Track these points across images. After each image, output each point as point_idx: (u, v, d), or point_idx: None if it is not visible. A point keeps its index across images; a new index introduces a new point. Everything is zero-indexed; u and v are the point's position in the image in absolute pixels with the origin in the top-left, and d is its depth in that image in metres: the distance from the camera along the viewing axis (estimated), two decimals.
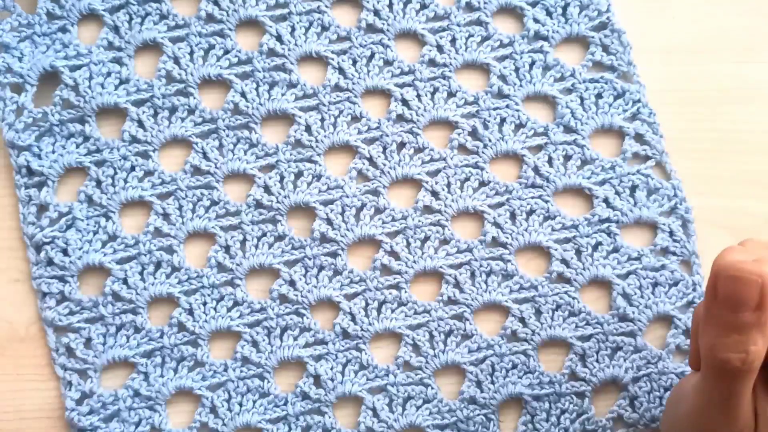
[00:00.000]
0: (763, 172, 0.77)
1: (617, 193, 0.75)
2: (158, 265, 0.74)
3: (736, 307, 0.51)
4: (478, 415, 0.72)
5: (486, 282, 0.74)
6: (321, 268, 0.75)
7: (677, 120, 0.76)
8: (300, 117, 0.76)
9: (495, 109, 0.76)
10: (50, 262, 0.74)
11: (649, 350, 0.73)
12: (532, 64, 0.77)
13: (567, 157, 0.75)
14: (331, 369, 0.73)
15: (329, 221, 0.75)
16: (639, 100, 0.76)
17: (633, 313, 0.73)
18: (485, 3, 0.77)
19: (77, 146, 0.75)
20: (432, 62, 0.77)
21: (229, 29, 0.77)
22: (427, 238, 0.75)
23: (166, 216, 0.75)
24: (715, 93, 0.78)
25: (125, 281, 0.74)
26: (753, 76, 0.78)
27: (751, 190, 0.77)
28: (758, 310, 0.51)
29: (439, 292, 0.74)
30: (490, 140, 0.75)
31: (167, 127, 0.76)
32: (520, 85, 0.76)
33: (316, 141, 0.76)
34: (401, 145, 0.76)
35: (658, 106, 0.76)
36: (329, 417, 0.72)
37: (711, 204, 0.76)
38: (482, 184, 0.75)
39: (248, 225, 0.75)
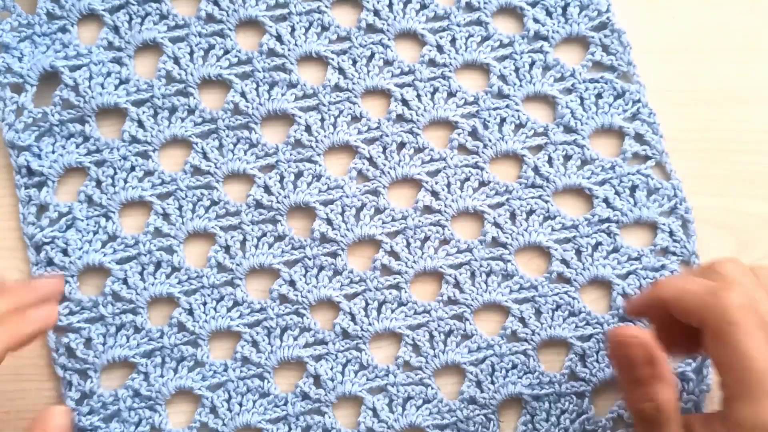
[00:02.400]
0: (763, 172, 0.77)
1: (617, 193, 0.75)
2: (158, 265, 0.74)
3: (630, 367, 0.59)
4: (478, 415, 0.72)
5: (486, 282, 0.74)
6: (321, 268, 0.75)
7: (677, 120, 0.76)
8: (300, 117, 0.76)
9: (495, 109, 0.76)
10: (50, 263, 0.74)
11: None
12: (532, 64, 0.77)
13: (567, 157, 0.75)
14: (331, 369, 0.73)
15: (329, 221, 0.75)
16: (639, 100, 0.76)
17: None
18: (485, 3, 0.77)
19: (77, 146, 0.75)
20: (432, 62, 0.77)
21: (229, 29, 0.77)
22: (427, 238, 0.75)
23: (166, 216, 0.75)
24: (715, 93, 0.78)
25: (125, 281, 0.74)
26: (753, 76, 0.78)
27: (751, 190, 0.77)
28: (650, 365, 0.59)
29: (439, 292, 0.74)
30: (490, 140, 0.75)
31: (167, 127, 0.76)
32: (520, 85, 0.76)
33: (316, 141, 0.76)
34: (401, 145, 0.76)
35: (658, 106, 0.76)
36: (329, 417, 0.72)
37: (711, 204, 0.76)
38: (482, 184, 0.75)
39: (248, 225, 0.75)
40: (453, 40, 0.77)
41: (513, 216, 0.75)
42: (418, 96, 0.76)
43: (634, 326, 0.63)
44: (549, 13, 0.77)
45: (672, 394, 0.59)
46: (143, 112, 0.76)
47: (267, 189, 0.75)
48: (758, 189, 0.76)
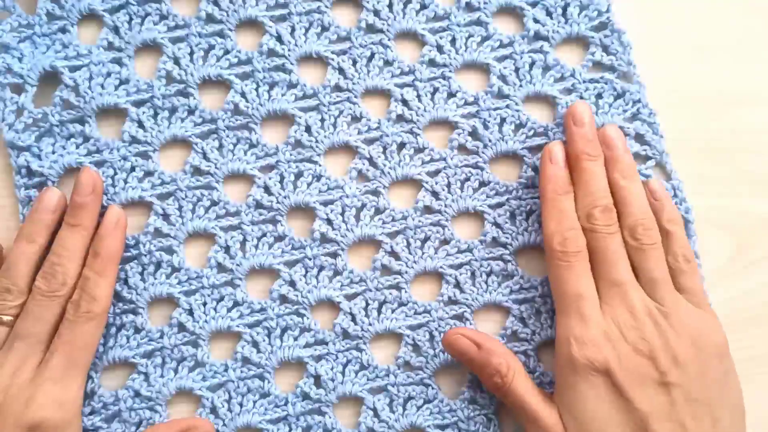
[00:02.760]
0: (764, 172, 0.77)
1: None
2: (158, 266, 0.74)
3: (466, 357, 0.70)
4: (479, 415, 0.72)
5: (486, 282, 0.74)
6: (321, 268, 0.75)
7: (677, 120, 0.76)
8: (300, 117, 0.76)
9: (495, 109, 0.76)
10: None
11: None
12: (532, 64, 0.77)
13: None
14: (332, 369, 0.73)
15: (329, 221, 0.75)
16: (639, 101, 0.76)
17: None
18: (485, 3, 0.77)
19: (77, 147, 0.75)
20: (432, 62, 0.77)
21: (229, 29, 0.77)
22: (427, 239, 0.75)
23: (166, 216, 0.75)
24: (715, 93, 0.78)
25: (125, 281, 0.74)
26: (753, 76, 0.78)
27: (751, 190, 0.77)
28: (479, 348, 0.70)
29: (440, 292, 0.74)
30: (490, 140, 0.75)
31: (167, 127, 0.76)
32: (520, 86, 0.76)
33: (316, 141, 0.75)
34: (401, 146, 0.76)
35: (657, 107, 0.76)
36: (330, 417, 0.72)
37: (711, 204, 0.76)
38: (482, 184, 0.75)
39: (248, 225, 0.75)
40: (453, 41, 0.77)
41: (513, 216, 0.75)
42: (418, 96, 0.76)
43: (456, 327, 0.73)
44: (549, 14, 0.77)
45: (509, 361, 0.69)
46: (143, 113, 0.76)
47: (267, 189, 0.75)
48: (758, 189, 0.76)
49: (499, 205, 0.75)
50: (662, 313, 0.67)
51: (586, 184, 0.70)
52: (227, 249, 0.75)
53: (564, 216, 0.70)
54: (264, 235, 0.75)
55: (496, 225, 0.75)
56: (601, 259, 0.69)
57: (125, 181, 0.75)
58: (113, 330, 0.73)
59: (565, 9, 0.77)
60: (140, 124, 0.76)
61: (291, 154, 0.76)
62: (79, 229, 0.71)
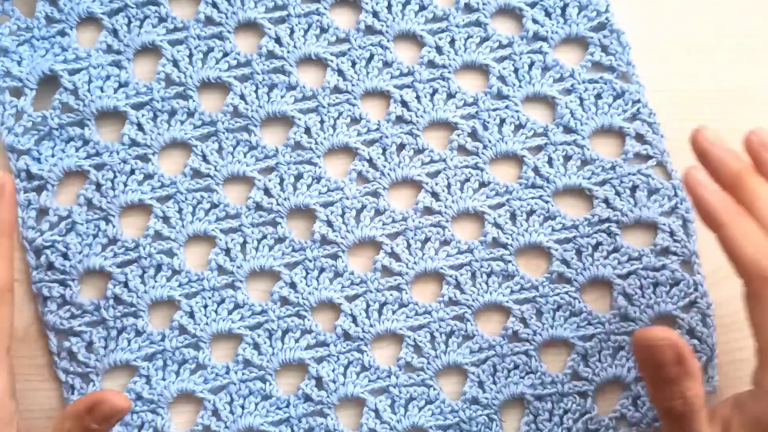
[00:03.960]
0: None
1: (617, 193, 0.75)
2: (159, 269, 0.74)
3: (659, 368, 0.60)
4: (481, 415, 0.72)
5: (487, 283, 0.74)
6: (322, 270, 0.75)
7: (677, 120, 0.76)
8: (299, 119, 0.76)
9: (494, 110, 0.76)
10: (50, 266, 0.74)
11: None
12: (532, 64, 0.77)
13: (567, 158, 0.76)
14: (333, 371, 0.73)
15: (329, 223, 0.75)
16: (639, 100, 0.76)
17: (634, 312, 0.73)
18: (484, 4, 0.77)
19: (77, 150, 0.75)
20: (431, 63, 0.77)
21: (228, 32, 0.77)
22: (427, 240, 0.75)
23: (166, 219, 0.75)
24: (715, 93, 0.78)
25: (126, 285, 0.74)
26: (753, 76, 0.78)
27: None
28: (679, 364, 0.59)
29: (440, 293, 0.74)
30: (489, 141, 0.75)
31: (167, 130, 0.76)
32: (520, 86, 0.76)
33: (316, 143, 0.76)
34: (401, 147, 0.76)
35: (657, 107, 0.76)
36: (331, 419, 0.72)
37: None
38: (482, 184, 0.75)
39: (248, 227, 0.75)
40: (452, 41, 0.77)
41: (513, 216, 0.75)
42: (418, 97, 0.76)
43: (659, 327, 0.61)
44: (548, 14, 0.77)
45: (699, 388, 0.60)
46: (143, 115, 0.76)
47: (267, 191, 0.75)
48: None
49: (500, 205, 0.75)
50: None
51: (765, 199, 0.61)
52: (228, 251, 0.75)
53: (760, 239, 0.60)
54: (264, 237, 0.75)
55: (497, 225, 0.75)
56: None
57: (125, 184, 0.75)
58: (114, 333, 0.73)
59: (564, 9, 0.77)
60: (140, 127, 0.76)
61: (291, 156, 0.76)
62: None
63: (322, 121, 0.76)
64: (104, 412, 0.60)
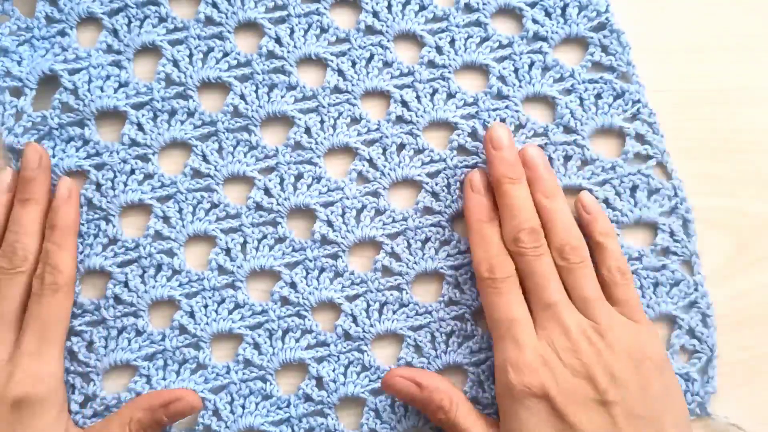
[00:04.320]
0: (764, 172, 0.77)
1: (618, 193, 0.75)
2: (159, 268, 0.74)
3: (409, 398, 0.70)
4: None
5: None
6: (322, 270, 0.75)
7: (677, 120, 0.76)
8: (299, 119, 0.76)
9: (494, 110, 0.76)
10: None
11: None
12: (532, 64, 0.77)
13: (567, 158, 0.76)
14: (334, 371, 0.73)
15: (330, 223, 0.75)
16: (639, 101, 0.76)
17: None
18: (484, 4, 0.77)
19: (77, 150, 0.75)
20: (431, 63, 0.77)
21: (228, 32, 0.77)
22: (427, 239, 0.75)
23: (166, 219, 0.75)
24: (715, 93, 0.78)
25: (126, 284, 0.74)
26: (753, 76, 0.78)
27: (751, 190, 0.77)
28: (418, 386, 0.69)
29: (441, 293, 0.74)
30: None
31: (167, 130, 0.76)
32: (520, 86, 0.76)
33: (316, 143, 0.76)
34: (401, 147, 0.76)
35: (657, 107, 0.76)
36: (332, 419, 0.72)
37: (711, 204, 0.76)
38: None
39: (249, 227, 0.75)
40: (452, 41, 0.77)
41: None
42: (418, 97, 0.76)
43: (394, 368, 0.72)
44: (548, 14, 0.77)
45: (451, 395, 0.69)
46: (143, 115, 0.76)
47: (267, 191, 0.75)
48: (758, 189, 0.76)
49: None
50: (597, 332, 0.67)
51: (510, 208, 0.70)
52: (228, 251, 0.75)
53: (490, 243, 0.70)
54: (264, 237, 0.75)
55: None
56: (531, 282, 0.69)
57: (125, 184, 0.75)
58: (114, 333, 0.73)
59: (564, 9, 0.77)
60: (140, 127, 0.76)
61: (291, 156, 0.76)
62: (31, 203, 0.71)
63: (322, 121, 0.76)
64: (180, 408, 0.69)
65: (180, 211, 0.75)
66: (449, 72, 0.77)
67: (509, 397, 0.66)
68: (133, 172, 0.75)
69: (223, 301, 0.74)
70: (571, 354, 0.66)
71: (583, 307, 0.68)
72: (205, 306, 0.74)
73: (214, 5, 0.77)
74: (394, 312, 0.74)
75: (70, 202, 0.73)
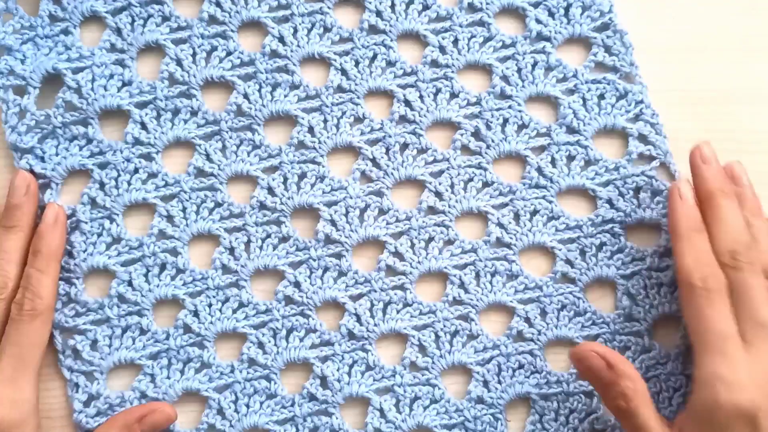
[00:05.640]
0: (763, 172, 0.77)
1: (621, 194, 0.75)
2: (163, 267, 0.75)
3: (595, 375, 0.67)
4: (486, 414, 0.73)
5: (491, 282, 0.74)
6: (326, 269, 0.75)
7: (677, 120, 0.77)
8: (303, 118, 0.76)
9: (498, 109, 0.76)
10: None
11: (657, 350, 0.73)
12: (535, 64, 0.77)
13: (570, 158, 0.76)
14: (338, 370, 0.73)
15: (333, 222, 0.75)
16: (642, 101, 0.76)
17: (638, 313, 0.74)
18: (487, 4, 0.77)
19: (80, 149, 0.75)
20: (434, 63, 0.77)
21: (232, 31, 0.77)
22: (431, 239, 0.75)
23: (170, 218, 0.75)
24: (715, 93, 0.78)
25: (130, 283, 0.74)
26: (753, 76, 0.79)
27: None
28: (609, 368, 0.66)
29: (444, 292, 0.75)
30: (492, 141, 0.76)
31: (170, 129, 0.76)
32: (523, 86, 0.77)
33: (319, 142, 0.76)
34: (404, 146, 0.76)
35: (658, 107, 0.76)
36: (336, 418, 0.73)
37: None
38: (486, 184, 0.76)
39: (252, 226, 0.75)
40: (455, 41, 0.77)
41: (517, 216, 0.75)
42: (421, 97, 0.76)
43: (587, 342, 0.71)
44: (551, 14, 0.78)
45: (636, 384, 0.66)
46: (146, 114, 0.76)
47: (270, 190, 0.75)
48: (758, 189, 0.76)
49: (503, 205, 0.75)
50: None
51: (725, 222, 0.68)
52: (232, 250, 0.75)
53: (702, 252, 0.67)
54: (268, 236, 0.75)
55: (500, 225, 0.75)
56: (745, 298, 0.65)
57: (129, 183, 0.75)
58: (119, 332, 0.74)
59: (567, 9, 0.78)
60: (143, 126, 0.76)
61: (294, 155, 0.76)
62: (15, 230, 0.72)
63: (325, 121, 0.76)
64: (155, 420, 0.69)
65: (184, 210, 0.75)
66: (452, 71, 0.77)
67: (712, 414, 0.63)
68: (136, 171, 0.75)
69: (227, 300, 0.74)
70: None
71: None
72: (209, 305, 0.74)
73: (218, 4, 0.77)
74: (398, 311, 0.74)
75: (56, 228, 0.73)
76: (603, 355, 0.67)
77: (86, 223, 0.74)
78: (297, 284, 0.74)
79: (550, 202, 0.75)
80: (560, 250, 0.75)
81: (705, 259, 0.67)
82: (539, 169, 0.75)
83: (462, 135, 0.76)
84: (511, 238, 0.75)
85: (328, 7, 0.77)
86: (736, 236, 0.67)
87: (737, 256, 0.67)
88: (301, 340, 0.74)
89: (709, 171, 0.70)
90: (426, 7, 0.78)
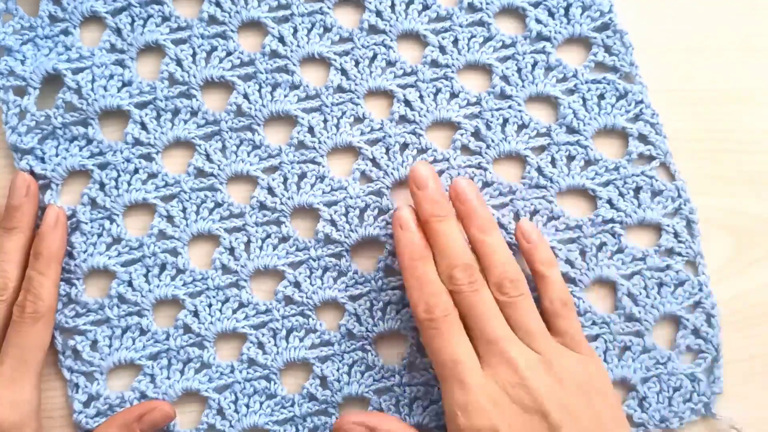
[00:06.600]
0: (763, 172, 0.77)
1: (621, 194, 0.75)
2: (163, 268, 0.75)
3: None
4: None
5: None
6: (326, 269, 0.75)
7: (677, 120, 0.77)
8: (303, 118, 0.76)
9: (497, 109, 0.76)
10: None
11: (658, 351, 0.73)
12: (535, 64, 0.77)
13: (570, 158, 0.76)
14: (338, 370, 0.74)
15: (333, 222, 0.75)
16: (642, 101, 0.76)
17: (639, 313, 0.74)
18: (487, 4, 0.77)
19: (80, 149, 0.75)
20: (434, 63, 0.77)
21: (232, 31, 0.77)
22: None
23: (170, 218, 0.75)
24: (715, 93, 0.78)
25: (130, 284, 0.74)
26: (753, 76, 0.79)
27: (751, 190, 0.77)
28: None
29: None
30: (492, 141, 0.76)
31: (170, 129, 0.76)
32: (523, 86, 0.77)
33: (319, 142, 0.76)
34: (404, 146, 0.76)
35: (658, 107, 0.76)
36: (336, 418, 0.73)
37: (711, 204, 0.76)
38: (486, 184, 0.76)
39: (252, 227, 0.75)
40: (455, 41, 0.77)
41: (517, 216, 0.75)
42: (421, 97, 0.76)
43: (345, 414, 0.72)
44: (551, 14, 0.77)
45: None
46: (146, 115, 0.76)
47: (270, 190, 0.75)
48: (758, 189, 0.77)
49: (503, 205, 0.75)
50: (545, 364, 0.65)
51: (442, 246, 0.68)
52: (232, 250, 0.75)
53: (424, 282, 0.67)
54: (268, 236, 0.75)
55: (500, 225, 0.75)
56: (472, 319, 0.66)
57: (129, 184, 0.75)
58: (119, 332, 0.74)
59: (567, 9, 0.77)
60: (143, 126, 0.76)
61: (294, 155, 0.76)
62: (15, 232, 0.72)
63: (325, 121, 0.76)
64: (154, 418, 0.69)
65: (184, 210, 0.75)
66: (452, 71, 0.77)
67: None
68: (136, 171, 0.75)
69: (227, 300, 0.74)
70: (520, 389, 0.64)
71: (528, 340, 0.66)
72: (209, 305, 0.74)
73: (218, 4, 0.77)
74: (398, 311, 0.74)
75: (56, 230, 0.73)
76: (362, 423, 0.68)
77: (86, 223, 0.74)
78: (297, 284, 0.74)
79: (550, 202, 0.75)
80: (560, 250, 0.75)
81: (429, 289, 0.67)
82: (539, 169, 0.75)
83: (462, 135, 0.76)
84: (511, 238, 0.74)
85: (328, 7, 0.77)
86: (452, 260, 0.67)
87: (455, 281, 0.67)
88: (301, 340, 0.74)
89: (422, 196, 0.69)
90: (426, 7, 0.77)
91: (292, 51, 0.77)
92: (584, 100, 0.76)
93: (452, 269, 0.67)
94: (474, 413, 0.63)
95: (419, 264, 0.68)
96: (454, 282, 0.67)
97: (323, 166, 0.76)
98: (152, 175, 0.75)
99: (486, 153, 0.76)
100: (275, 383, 0.73)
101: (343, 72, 0.77)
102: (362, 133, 0.76)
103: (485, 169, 0.75)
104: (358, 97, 0.76)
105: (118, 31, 0.77)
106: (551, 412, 0.63)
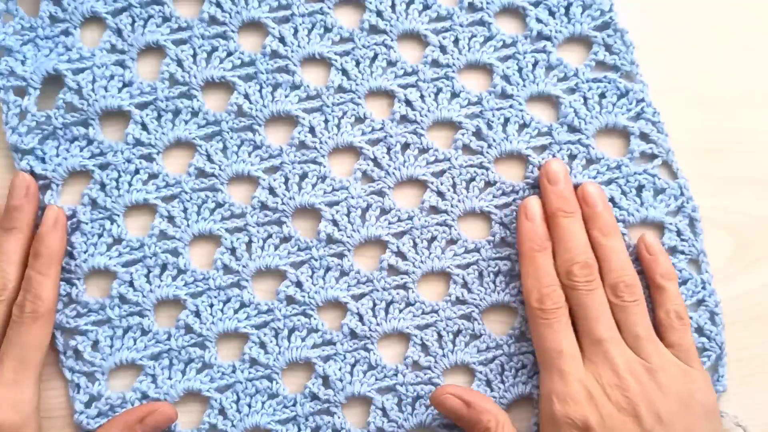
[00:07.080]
0: (763, 172, 0.77)
1: (623, 193, 0.75)
2: (164, 268, 0.74)
3: (456, 415, 0.69)
4: None
5: (494, 282, 0.74)
6: (328, 269, 0.75)
7: (678, 120, 0.77)
8: (304, 118, 0.76)
9: (498, 109, 0.76)
10: None
11: None
12: (535, 64, 0.77)
13: (572, 157, 0.76)
14: (340, 369, 0.73)
15: (335, 222, 0.75)
16: (643, 100, 0.76)
17: None
18: (488, 3, 0.77)
19: (81, 149, 0.75)
20: (435, 63, 0.77)
21: (232, 31, 0.77)
22: (434, 238, 0.75)
23: (171, 219, 0.75)
24: (716, 93, 0.78)
25: (131, 284, 0.74)
26: (753, 76, 0.79)
27: (751, 190, 0.77)
28: (467, 406, 0.69)
29: (447, 292, 0.75)
30: (494, 140, 0.76)
31: (171, 129, 0.76)
32: (524, 85, 0.77)
33: (320, 142, 0.76)
34: (405, 146, 0.76)
35: (661, 106, 0.76)
36: (338, 417, 0.73)
37: (711, 204, 0.76)
38: (488, 184, 0.76)
39: (254, 227, 0.75)
40: (456, 41, 0.77)
41: None
42: (422, 97, 0.76)
43: (444, 385, 0.72)
44: (552, 13, 0.77)
45: (498, 416, 0.68)
46: (147, 115, 0.75)
47: (272, 191, 0.75)
48: (758, 189, 0.77)
49: (506, 205, 0.75)
50: (647, 370, 0.67)
51: (564, 241, 0.71)
52: (233, 250, 0.75)
53: (541, 272, 0.70)
54: (270, 236, 0.75)
55: (503, 225, 0.75)
56: (582, 316, 0.69)
57: (129, 184, 0.75)
58: (120, 332, 0.73)
59: (567, 8, 0.78)
60: (144, 127, 0.75)
61: (295, 156, 0.76)
62: (15, 232, 0.72)
63: (326, 121, 0.76)
64: (156, 420, 0.69)
65: (185, 210, 0.75)
66: (453, 71, 0.77)
67: (552, 427, 0.67)
68: (137, 171, 0.75)
69: (228, 300, 0.74)
70: (618, 390, 0.66)
71: (635, 344, 0.69)
72: (211, 305, 0.74)
73: (218, 5, 0.77)
74: (401, 311, 0.74)
75: (56, 230, 0.73)
76: (459, 396, 0.69)
77: (87, 223, 0.74)
78: (299, 284, 0.74)
79: None
80: None
81: (544, 279, 0.70)
82: (541, 169, 0.75)
83: (463, 135, 0.76)
84: (514, 237, 0.74)
85: (329, 8, 0.77)
86: (573, 256, 0.70)
87: (572, 276, 0.70)
88: (303, 339, 0.74)
89: (553, 191, 0.72)
90: (426, 7, 0.77)
91: (292, 51, 0.77)
92: (585, 99, 0.76)
93: (572, 265, 0.70)
94: (570, 403, 0.66)
95: (539, 254, 0.71)
96: (572, 277, 0.70)
97: (324, 166, 0.76)
98: (153, 176, 0.75)
99: (487, 153, 0.76)
100: (277, 383, 0.73)
101: (344, 72, 0.77)
102: (363, 133, 0.76)
103: (487, 169, 0.75)
104: (359, 97, 0.76)
105: (118, 32, 0.76)
106: (644, 417, 0.65)
